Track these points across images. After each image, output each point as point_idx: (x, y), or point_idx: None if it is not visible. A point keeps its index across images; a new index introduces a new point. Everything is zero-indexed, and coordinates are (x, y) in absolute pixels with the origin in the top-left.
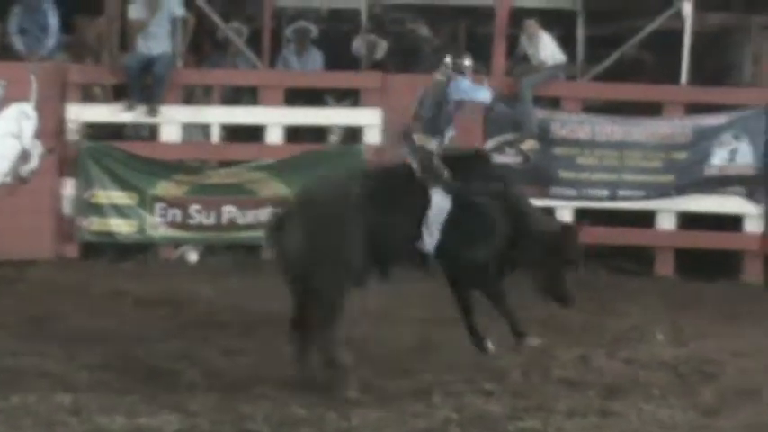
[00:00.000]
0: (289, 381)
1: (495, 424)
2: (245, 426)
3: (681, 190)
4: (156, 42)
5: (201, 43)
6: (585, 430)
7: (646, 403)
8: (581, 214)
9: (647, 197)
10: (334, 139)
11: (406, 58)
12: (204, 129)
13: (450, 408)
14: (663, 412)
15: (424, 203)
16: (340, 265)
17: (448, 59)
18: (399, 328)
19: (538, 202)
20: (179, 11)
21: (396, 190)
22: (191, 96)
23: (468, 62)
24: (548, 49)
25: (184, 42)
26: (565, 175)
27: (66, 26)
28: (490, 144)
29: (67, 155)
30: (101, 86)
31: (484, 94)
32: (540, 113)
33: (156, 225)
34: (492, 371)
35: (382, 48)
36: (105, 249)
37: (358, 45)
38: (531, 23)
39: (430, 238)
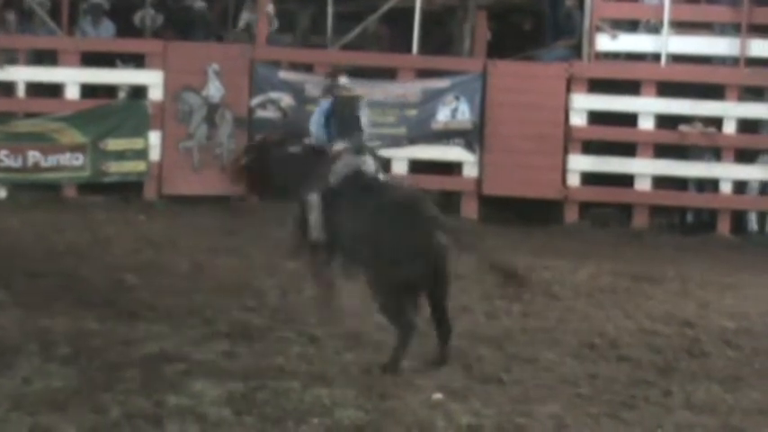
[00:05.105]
0: (83, 300)
1: (260, 334)
2: (46, 337)
3: (412, 141)
4: None
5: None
6: (331, 336)
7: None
8: None
9: (384, 146)
10: (122, 95)
11: (184, 28)
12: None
13: (220, 321)
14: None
15: None
16: None
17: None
18: (177, 255)
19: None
20: None
21: None
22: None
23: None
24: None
25: None
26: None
27: None
28: (255, 101)
29: None
30: None
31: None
32: (296, 77)
33: None
34: (254, 291)
35: (158, 20)
36: None
37: (139, 18)
38: None
39: None
